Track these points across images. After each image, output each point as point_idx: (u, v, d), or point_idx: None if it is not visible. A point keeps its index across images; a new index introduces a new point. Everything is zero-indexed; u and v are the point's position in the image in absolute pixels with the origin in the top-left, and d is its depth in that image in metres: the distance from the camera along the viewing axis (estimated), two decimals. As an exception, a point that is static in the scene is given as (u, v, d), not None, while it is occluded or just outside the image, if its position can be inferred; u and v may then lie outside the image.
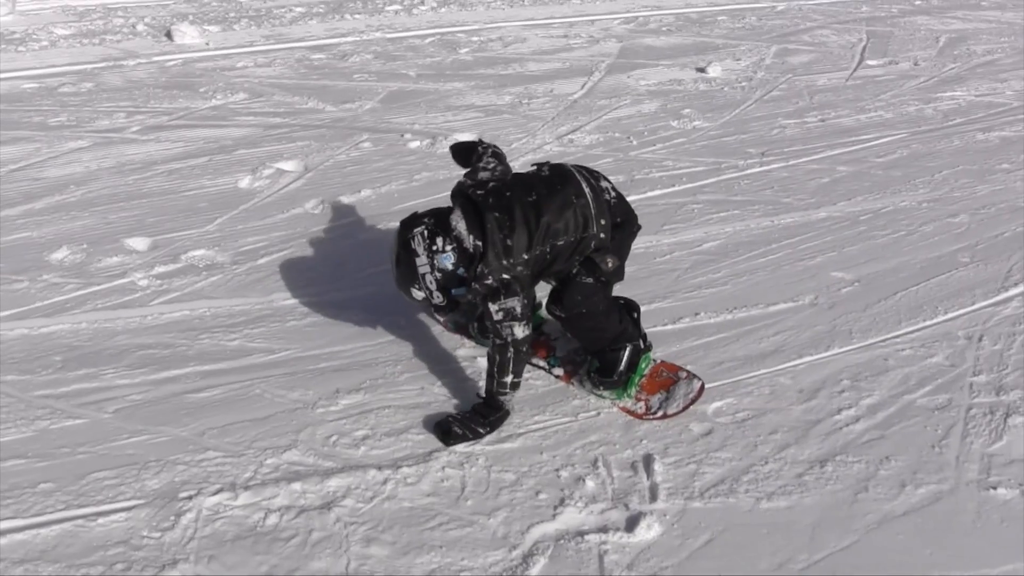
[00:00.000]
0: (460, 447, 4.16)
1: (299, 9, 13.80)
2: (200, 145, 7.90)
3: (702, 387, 4.52)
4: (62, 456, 4.02)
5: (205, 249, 5.95)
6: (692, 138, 8.51)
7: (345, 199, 6.78)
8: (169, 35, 11.70)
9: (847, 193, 7.24)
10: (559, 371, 4.73)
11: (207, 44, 11.55)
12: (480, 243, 4.07)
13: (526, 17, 13.99)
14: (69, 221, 6.32)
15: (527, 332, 4.22)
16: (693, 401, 4.46)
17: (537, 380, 4.67)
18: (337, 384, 4.58)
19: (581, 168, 4.42)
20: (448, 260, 4.03)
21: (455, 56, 11.43)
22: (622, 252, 4.41)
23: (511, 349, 4.21)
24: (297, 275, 5.65)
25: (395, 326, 5.11)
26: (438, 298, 4.10)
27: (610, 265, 4.30)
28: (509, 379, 4.25)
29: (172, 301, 5.35)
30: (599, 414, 4.43)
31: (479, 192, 4.19)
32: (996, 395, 4.66)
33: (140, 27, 12.21)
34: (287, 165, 7.45)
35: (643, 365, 4.60)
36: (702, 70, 11.03)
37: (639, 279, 5.55)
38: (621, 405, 4.51)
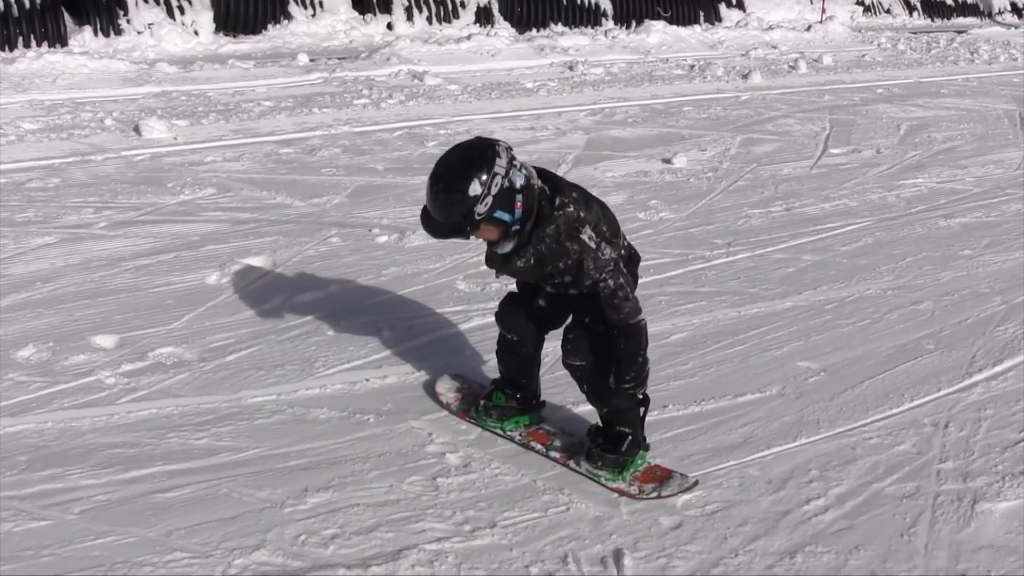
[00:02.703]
0: (429, 545, 4.12)
1: (267, 103, 13.90)
2: (168, 241, 7.90)
3: (696, 483, 4.56)
4: (26, 559, 3.96)
5: (173, 346, 5.93)
6: (659, 229, 8.58)
7: (313, 295, 6.78)
8: (137, 129, 11.76)
9: (813, 282, 7.31)
10: (556, 454, 4.79)
11: (175, 138, 11.61)
12: (548, 188, 4.29)
13: (493, 110, 14.15)
14: (35, 319, 6.29)
15: None
16: (687, 490, 4.49)
17: (506, 475, 4.64)
18: (306, 483, 4.55)
19: None
20: (520, 179, 4.16)
21: (423, 149, 11.51)
22: None
23: (640, 318, 4.38)
24: (265, 372, 5.64)
25: (364, 424, 5.10)
26: (484, 206, 4.07)
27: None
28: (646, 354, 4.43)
29: (139, 399, 5.31)
30: (568, 509, 4.42)
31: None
32: (963, 482, 4.68)
33: (108, 121, 12.26)
34: (255, 261, 7.44)
35: (639, 462, 4.65)
36: (668, 161, 11.13)
37: (607, 371, 5.57)
38: (614, 486, 4.53)
